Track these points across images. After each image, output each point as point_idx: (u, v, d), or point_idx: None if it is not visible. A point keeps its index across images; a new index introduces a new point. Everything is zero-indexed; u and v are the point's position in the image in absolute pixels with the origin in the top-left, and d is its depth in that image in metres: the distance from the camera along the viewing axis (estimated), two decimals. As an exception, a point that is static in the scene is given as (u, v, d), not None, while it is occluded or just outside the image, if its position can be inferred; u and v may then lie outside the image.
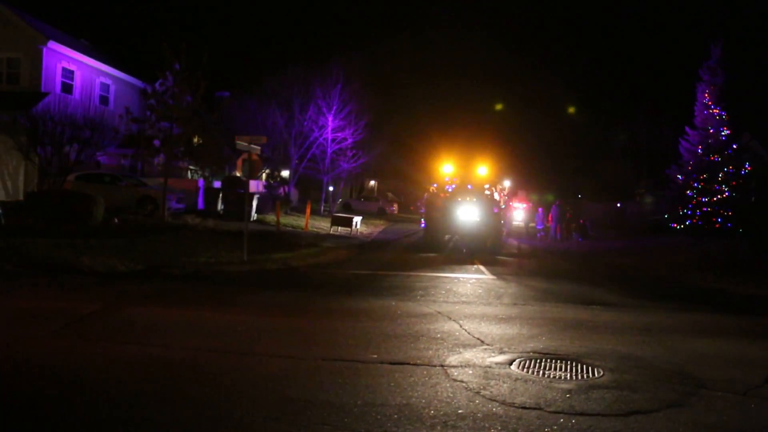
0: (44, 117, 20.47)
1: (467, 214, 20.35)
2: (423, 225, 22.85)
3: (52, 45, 25.41)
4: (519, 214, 35.87)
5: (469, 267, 16.01)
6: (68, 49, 26.61)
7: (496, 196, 22.05)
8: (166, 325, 7.54)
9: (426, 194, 25.15)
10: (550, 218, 31.07)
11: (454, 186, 21.93)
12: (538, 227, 32.27)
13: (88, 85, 28.02)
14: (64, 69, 26.59)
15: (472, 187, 21.69)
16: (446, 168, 22.17)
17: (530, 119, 51.86)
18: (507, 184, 24.18)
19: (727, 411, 5.19)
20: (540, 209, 33.70)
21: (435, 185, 23.08)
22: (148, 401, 4.86)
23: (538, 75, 75.42)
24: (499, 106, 54.47)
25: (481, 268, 15.75)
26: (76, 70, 27.33)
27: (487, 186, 21.81)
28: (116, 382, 5.32)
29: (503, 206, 23.92)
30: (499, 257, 18.99)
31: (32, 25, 25.93)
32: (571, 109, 51.48)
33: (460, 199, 20.90)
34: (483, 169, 22.21)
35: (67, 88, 26.67)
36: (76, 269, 11.51)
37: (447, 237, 21.42)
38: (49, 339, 6.63)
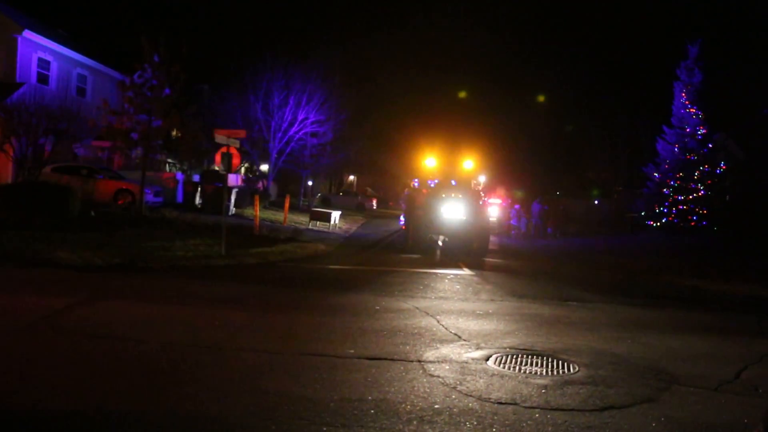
0: (19, 108, 20.11)
1: (451, 212, 19.21)
2: (402, 223, 21.75)
3: (28, 34, 25.00)
4: (494, 210, 35.81)
5: (448, 264, 16.04)
6: (44, 38, 26.18)
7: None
8: (143, 320, 7.48)
9: (407, 190, 24.49)
10: (532, 214, 31.27)
11: (436, 181, 20.82)
12: (513, 224, 32.32)
13: (64, 76, 27.61)
14: (40, 59, 26.17)
15: (456, 183, 20.66)
16: (428, 162, 21.12)
17: (509, 115, 51.95)
18: (482, 179, 23.12)
19: (698, 405, 5.30)
20: (517, 206, 33.83)
21: (416, 180, 22.24)
22: (123, 397, 4.82)
23: (517, 71, 75.69)
24: (462, 94, 54.17)
25: (460, 264, 15.80)
26: (52, 60, 26.92)
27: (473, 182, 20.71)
28: (91, 376, 5.27)
29: (494, 201, 23.11)
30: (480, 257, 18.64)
31: (6, 13, 25.46)
32: (541, 98, 51.43)
33: (444, 196, 19.79)
34: (469, 162, 21.19)
35: (43, 79, 26.27)
36: (52, 263, 11.35)
37: (429, 236, 20.10)
38: (23, 333, 6.54)
